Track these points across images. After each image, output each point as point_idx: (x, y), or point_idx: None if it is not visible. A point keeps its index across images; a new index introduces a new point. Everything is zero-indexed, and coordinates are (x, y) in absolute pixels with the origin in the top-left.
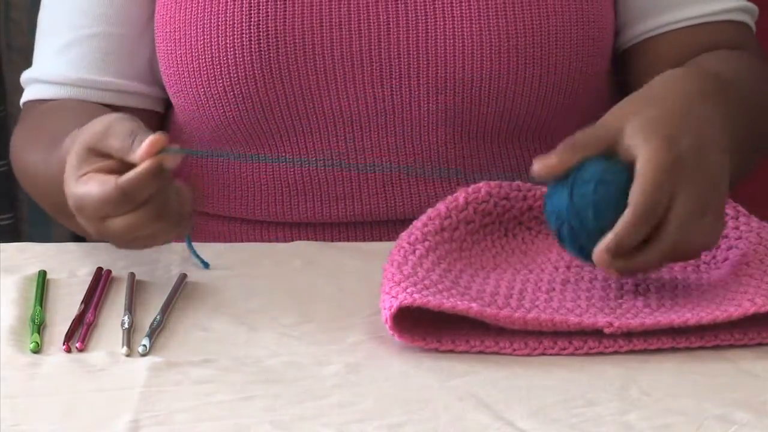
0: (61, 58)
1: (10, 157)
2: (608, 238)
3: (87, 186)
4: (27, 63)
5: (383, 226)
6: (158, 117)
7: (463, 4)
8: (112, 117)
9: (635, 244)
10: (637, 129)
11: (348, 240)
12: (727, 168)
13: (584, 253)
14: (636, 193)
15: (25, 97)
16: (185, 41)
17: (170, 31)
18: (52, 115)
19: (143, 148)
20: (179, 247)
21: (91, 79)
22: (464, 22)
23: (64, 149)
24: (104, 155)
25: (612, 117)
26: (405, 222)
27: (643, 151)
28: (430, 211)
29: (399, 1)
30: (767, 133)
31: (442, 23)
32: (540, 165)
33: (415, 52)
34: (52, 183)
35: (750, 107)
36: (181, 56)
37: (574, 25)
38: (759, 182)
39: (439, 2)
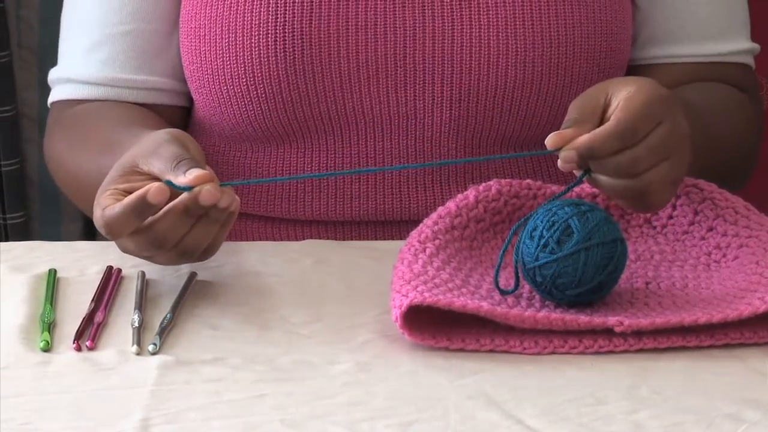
0: (92, 56)
1: (46, 155)
2: (582, 140)
3: (112, 211)
4: (37, 61)
5: (396, 226)
6: (186, 112)
7: (490, 12)
8: (161, 137)
9: (603, 156)
10: (623, 79)
11: (360, 239)
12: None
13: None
14: (623, 109)
15: (56, 96)
16: (209, 38)
17: (195, 28)
18: (99, 121)
19: (188, 178)
20: None
21: (125, 77)
22: (490, 30)
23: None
24: (146, 174)
25: (592, 89)
26: (418, 222)
27: (634, 85)
28: (440, 210)
29: (425, 8)
30: (728, 162)
31: (468, 31)
32: (554, 140)
33: (439, 59)
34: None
35: (712, 136)
36: (204, 53)
37: (598, 38)
38: (761, 183)
39: (466, 10)
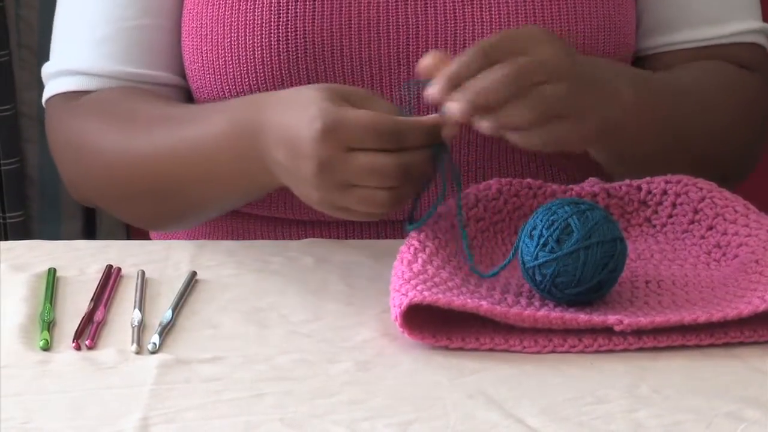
0: (99, 50)
1: (63, 141)
2: (445, 71)
3: (354, 111)
4: (37, 60)
5: (396, 226)
6: None
7: (492, 9)
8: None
9: (469, 73)
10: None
11: (360, 238)
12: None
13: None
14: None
15: (59, 88)
16: (211, 37)
17: (197, 27)
18: (137, 98)
19: (437, 116)
20: (189, 245)
21: (134, 72)
22: (493, 26)
23: (236, 110)
24: (352, 107)
25: None
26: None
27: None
28: (440, 209)
29: (428, 5)
30: (724, 142)
31: (470, 27)
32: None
33: None
34: (194, 155)
35: (695, 114)
36: (206, 52)
37: (602, 32)
38: (761, 183)
39: (468, 6)
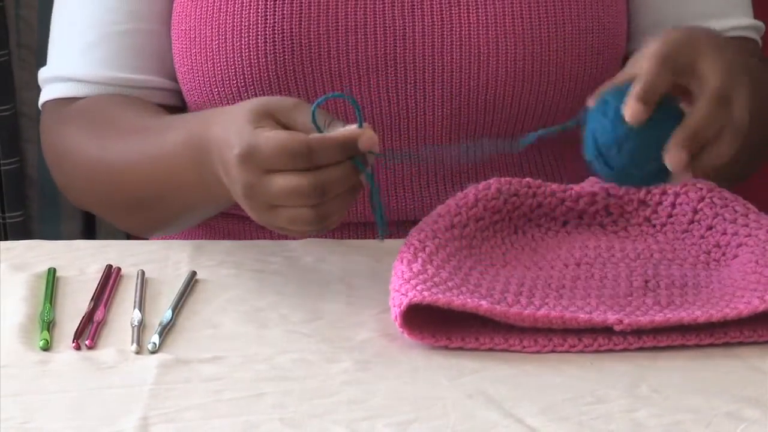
0: (89, 55)
1: (56, 150)
2: (680, 130)
3: (266, 133)
4: (36, 61)
5: (394, 227)
6: (182, 112)
7: (480, 10)
8: (291, 99)
9: (710, 134)
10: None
11: (359, 238)
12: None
13: (628, 175)
14: (705, 86)
15: (54, 94)
16: (200, 40)
17: (186, 30)
18: (119, 107)
19: (353, 129)
20: (189, 245)
21: (123, 77)
22: (480, 28)
23: (195, 124)
24: (280, 125)
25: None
26: (415, 223)
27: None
28: (439, 208)
29: (415, 8)
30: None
31: (458, 29)
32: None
33: (430, 58)
34: (158, 165)
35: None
36: (195, 55)
37: (590, 33)
38: (761, 183)
39: (456, 8)
